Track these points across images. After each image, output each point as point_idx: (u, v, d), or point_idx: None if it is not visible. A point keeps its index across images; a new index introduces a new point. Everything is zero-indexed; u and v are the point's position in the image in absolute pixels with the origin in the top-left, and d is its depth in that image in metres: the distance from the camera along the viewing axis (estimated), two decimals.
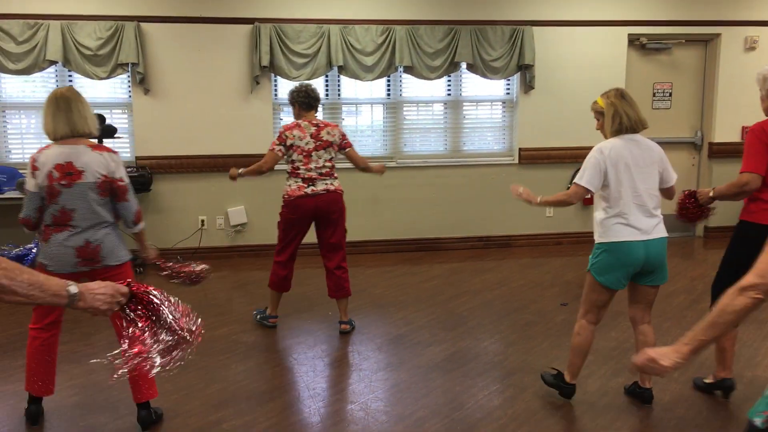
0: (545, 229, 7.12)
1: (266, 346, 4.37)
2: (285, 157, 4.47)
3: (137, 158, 6.46)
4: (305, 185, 4.41)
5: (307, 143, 4.41)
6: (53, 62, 6.07)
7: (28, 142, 6.39)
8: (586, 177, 3.29)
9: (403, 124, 7.00)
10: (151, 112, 6.43)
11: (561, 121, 6.95)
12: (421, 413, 3.43)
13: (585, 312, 3.46)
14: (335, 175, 4.55)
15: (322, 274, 6.06)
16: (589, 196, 3.35)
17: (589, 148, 3.37)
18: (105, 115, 6.08)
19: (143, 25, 6.26)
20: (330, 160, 4.50)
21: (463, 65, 6.82)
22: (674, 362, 1.86)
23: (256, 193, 6.66)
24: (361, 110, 6.97)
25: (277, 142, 4.45)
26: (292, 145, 4.42)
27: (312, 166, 4.42)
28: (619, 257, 3.28)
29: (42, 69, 6.09)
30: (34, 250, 3.42)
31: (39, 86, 6.36)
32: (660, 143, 3.50)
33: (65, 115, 3.10)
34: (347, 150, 4.60)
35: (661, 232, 3.34)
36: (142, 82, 6.29)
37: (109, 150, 3.20)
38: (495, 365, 4.04)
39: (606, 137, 3.40)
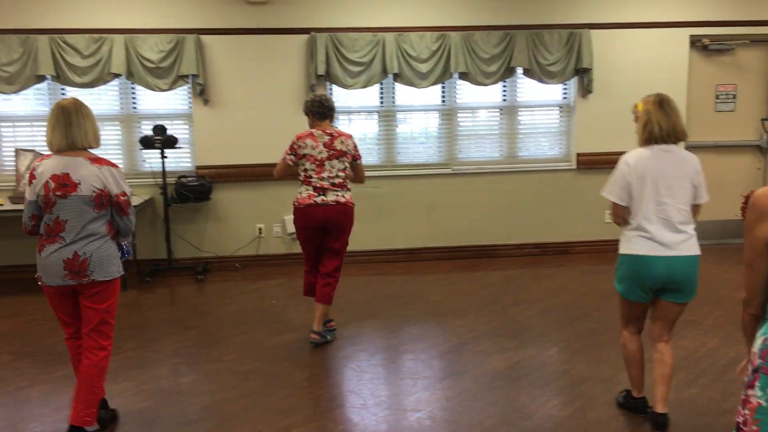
0: (604, 235, 6.97)
1: (328, 354, 4.37)
2: (297, 166, 4.49)
3: (197, 167, 6.59)
4: (315, 194, 4.41)
5: (320, 152, 4.42)
6: (117, 75, 6.24)
7: (111, 152, 6.55)
8: (614, 192, 3.21)
9: (458, 130, 6.96)
10: (210, 122, 6.55)
11: (620, 125, 6.80)
12: (490, 422, 3.38)
13: (624, 323, 3.40)
14: (348, 186, 4.54)
15: (379, 281, 6.13)
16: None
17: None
18: (166, 126, 6.23)
19: (203, 37, 6.39)
20: (343, 170, 4.49)
21: (519, 70, 6.76)
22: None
23: None
24: (415, 118, 6.95)
25: (289, 152, 4.47)
26: (304, 155, 4.43)
27: (324, 175, 4.42)
28: (637, 270, 3.17)
29: (106, 82, 6.26)
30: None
31: (103, 99, 6.54)
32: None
33: (64, 128, 3.09)
34: (357, 162, 4.59)
35: (688, 249, 3.15)
36: (201, 93, 6.42)
37: (108, 163, 3.17)
38: (562, 375, 3.96)
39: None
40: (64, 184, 3.08)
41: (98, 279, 3.14)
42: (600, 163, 6.86)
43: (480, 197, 6.95)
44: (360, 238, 6.87)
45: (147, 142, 6.13)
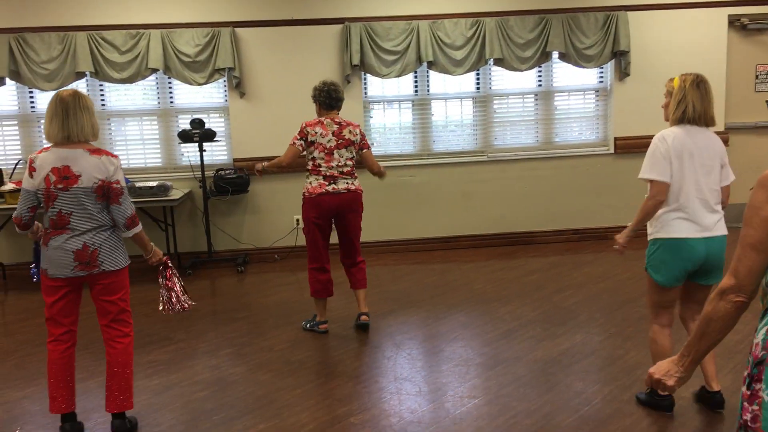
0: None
1: (378, 342, 4.39)
2: (305, 152, 4.48)
3: (235, 160, 6.63)
4: (326, 183, 4.42)
5: (328, 141, 4.43)
6: (155, 70, 6.29)
7: (132, 148, 6.64)
8: (656, 169, 3.09)
9: (493, 117, 6.92)
10: (246, 114, 6.58)
11: (659, 108, 6.62)
12: (548, 408, 3.37)
13: (654, 315, 3.30)
14: (356, 174, 4.55)
15: (419, 269, 6.13)
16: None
17: None
18: (203, 120, 6.26)
19: (238, 30, 6.41)
20: (351, 159, 4.51)
21: (555, 55, 6.69)
22: (678, 379, 1.85)
23: None
24: (450, 105, 6.92)
25: (298, 137, 4.44)
26: (313, 142, 4.42)
27: (333, 164, 4.43)
28: (678, 254, 3.10)
29: (144, 77, 6.31)
30: None
31: (140, 94, 6.60)
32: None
33: (61, 120, 3.05)
34: (364, 151, 4.59)
35: (722, 229, 3.14)
36: (238, 86, 6.45)
37: (108, 154, 3.15)
38: (615, 360, 3.93)
39: (667, 119, 3.24)
40: (65, 176, 3.05)
41: (108, 269, 3.17)
42: (638, 146, 6.78)
43: (516, 184, 6.92)
44: (397, 227, 6.88)
45: (185, 136, 6.18)
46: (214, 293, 5.73)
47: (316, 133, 4.44)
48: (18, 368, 4.17)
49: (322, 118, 4.52)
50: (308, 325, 4.67)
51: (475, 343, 4.30)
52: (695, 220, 3.09)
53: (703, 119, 3.14)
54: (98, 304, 3.25)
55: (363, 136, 4.59)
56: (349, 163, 4.50)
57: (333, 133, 4.46)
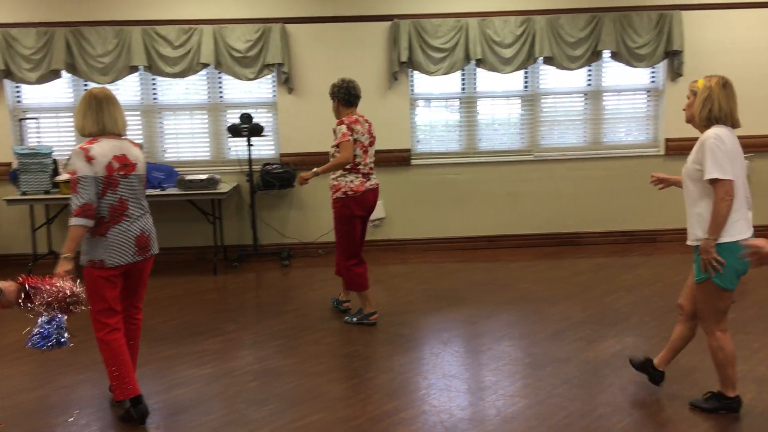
0: None
1: (425, 339, 4.38)
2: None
3: (281, 155, 6.68)
4: (365, 180, 4.52)
5: (366, 138, 4.53)
6: (206, 65, 6.38)
7: (182, 141, 6.75)
8: (725, 168, 3.00)
9: (541, 116, 6.85)
10: (294, 110, 6.63)
11: None
12: (602, 410, 3.32)
13: (716, 321, 3.21)
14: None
15: (465, 268, 6.10)
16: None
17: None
18: (252, 115, 6.33)
19: (288, 26, 6.46)
20: (374, 155, 4.68)
21: (606, 54, 6.59)
22: None
23: (393, 188, 6.73)
24: (497, 104, 6.87)
25: (349, 133, 4.43)
26: (356, 140, 4.45)
27: (368, 161, 4.57)
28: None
29: (196, 72, 6.41)
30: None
31: (190, 89, 6.69)
32: None
33: (95, 113, 3.21)
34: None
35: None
36: (286, 81, 6.50)
37: (139, 146, 3.41)
38: (670, 364, 3.85)
39: (688, 119, 3.23)
40: (125, 164, 3.23)
41: (155, 252, 3.40)
42: (690, 148, 6.58)
43: (563, 184, 6.84)
44: (442, 225, 6.86)
45: (234, 131, 6.25)
46: (260, 286, 5.79)
47: (358, 131, 4.48)
48: (74, 354, 4.26)
49: (356, 116, 4.56)
50: (355, 319, 4.68)
51: (524, 342, 4.26)
52: (747, 218, 3.12)
53: (729, 120, 3.13)
54: (132, 287, 3.40)
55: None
56: (373, 159, 4.67)
57: (367, 131, 4.57)
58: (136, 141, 3.45)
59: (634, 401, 3.41)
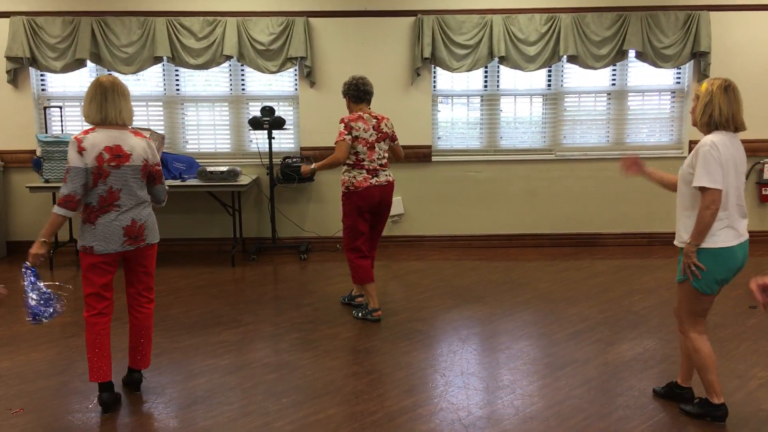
0: None
1: (444, 336, 4.37)
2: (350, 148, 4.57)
3: (302, 149, 6.69)
4: (370, 176, 4.54)
5: (370, 135, 4.53)
6: (229, 57, 6.40)
7: (203, 132, 6.78)
8: (713, 177, 2.97)
9: (564, 115, 6.80)
10: (315, 104, 6.63)
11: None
12: (622, 413, 3.30)
13: (692, 324, 3.22)
14: (388, 165, 4.69)
15: (483, 266, 6.08)
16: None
17: None
18: (274, 107, 6.34)
19: (311, 20, 6.46)
20: (386, 151, 4.65)
21: (631, 54, 6.53)
22: None
23: (412, 185, 6.72)
24: (519, 102, 6.83)
25: (345, 132, 4.50)
26: (357, 137, 4.50)
27: (375, 157, 4.55)
28: (723, 262, 3.06)
29: (219, 64, 6.43)
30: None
31: (212, 81, 6.72)
32: None
33: (99, 103, 3.22)
34: (395, 142, 4.70)
35: (746, 233, 3.14)
36: (308, 75, 6.50)
37: (145, 137, 3.39)
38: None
39: (694, 123, 3.18)
40: (117, 155, 3.22)
41: (151, 242, 3.41)
42: None
43: (584, 184, 6.79)
44: (460, 222, 6.84)
45: (256, 123, 6.27)
46: (278, 279, 5.80)
47: (359, 128, 4.53)
48: None
49: (360, 113, 4.59)
50: (360, 315, 4.71)
51: (543, 342, 4.24)
52: (735, 226, 3.07)
53: (732, 124, 3.09)
54: (134, 275, 3.45)
55: (392, 128, 4.72)
56: (385, 155, 4.65)
57: (373, 127, 4.57)
58: (144, 131, 3.46)
59: (655, 405, 3.38)
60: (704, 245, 3.06)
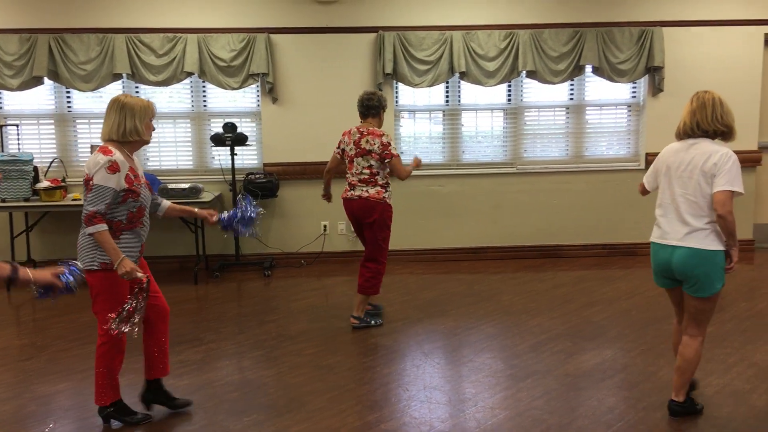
0: None
1: (407, 350, 4.39)
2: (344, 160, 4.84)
3: (265, 165, 6.68)
4: (349, 188, 4.75)
5: (351, 149, 4.70)
6: (190, 74, 6.36)
7: (165, 150, 6.72)
8: (649, 176, 3.52)
9: (524, 129, 6.91)
10: (278, 120, 6.63)
11: None
12: (581, 422, 3.35)
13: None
14: (376, 182, 4.67)
15: (447, 279, 6.12)
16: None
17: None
18: (236, 124, 6.32)
19: (273, 36, 6.47)
20: (369, 167, 4.65)
21: (588, 69, 6.67)
22: None
23: None
24: (480, 116, 6.92)
25: (337, 146, 4.86)
26: (343, 150, 4.77)
27: (354, 171, 4.71)
28: (652, 256, 3.41)
29: (179, 80, 6.39)
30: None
31: (174, 97, 6.67)
32: None
33: (104, 120, 3.27)
34: (387, 161, 4.65)
35: (691, 241, 3.21)
36: (270, 91, 6.51)
37: (96, 152, 3.25)
38: (648, 377, 3.89)
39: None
40: (135, 174, 3.25)
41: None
42: None
43: (545, 197, 6.89)
44: (425, 237, 6.88)
45: (218, 140, 6.24)
46: (242, 296, 5.76)
47: (344, 141, 4.76)
48: (52, 363, 4.22)
49: (354, 127, 4.76)
50: (373, 322, 4.89)
51: (505, 354, 4.28)
52: (663, 227, 3.32)
53: (697, 132, 3.27)
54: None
55: (385, 146, 4.62)
56: (366, 171, 4.66)
57: (354, 142, 4.69)
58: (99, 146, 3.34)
59: (613, 414, 3.44)
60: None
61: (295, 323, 4.95)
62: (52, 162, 6.43)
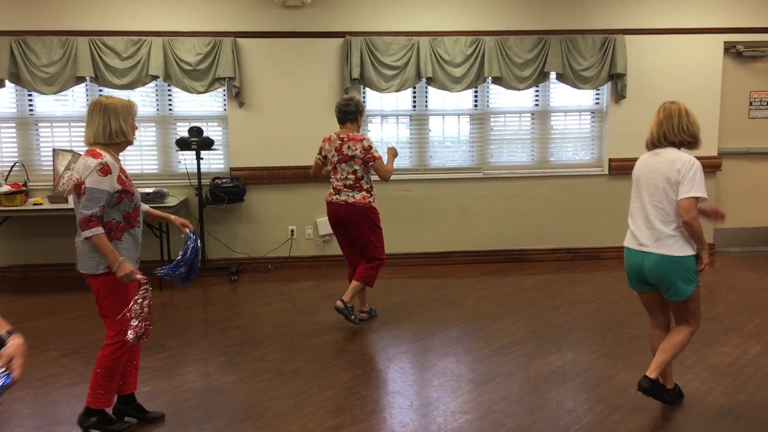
0: None
1: (371, 355, 4.40)
2: (326, 166, 4.93)
3: (231, 169, 6.64)
4: (334, 193, 4.84)
5: (333, 156, 4.78)
6: (155, 77, 6.31)
7: (129, 154, 6.64)
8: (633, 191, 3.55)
9: (490, 135, 6.98)
10: (245, 124, 6.60)
11: None
12: (539, 425, 3.39)
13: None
14: (362, 186, 4.79)
15: (414, 283, 6.15)
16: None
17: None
18: (202, 128, 6.28)
19: (239, 40, 6.45)
20: (354, 172, 4.75)
21: (553, 75, 6.76)
22: None
23: None
24: (447, 121, 6.97)
25: (318, 152, 4.94)
26: (325, 157, 4.85)
27: (338, 176, 4.80)
28: (625, 259, 3.52)
29: (144, 84, 6.33)
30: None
31: (138, 101, 6.60)
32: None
33: (86, 124, 3.22)
34: (371, 164, 4.79)
35: (661, 248, 3.32)
36: (237, 95, 6.48)
37: (85, 156, 3.22)
38: (606, 379, 3.95)
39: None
40: (126, 175, 3.24)
41: (81, 271, 3.26)
42: (632, 168, 6.83)
43: (511, 202, 6.96)
44: (392, 241, 6.89)
45: (183, 144, 6.19)
46: (207, 301, 5.72)
47: (325, 148, 4.83)
48: None
49: (333, 134, 4.83)
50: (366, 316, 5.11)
51: (468, 358, 4.31)
52: (634, 232, 3.44)
53: (664, 142, 3.38)
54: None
55: (367, 150, 4.74)
56: (351, 176, 4.75)
57: (335, 149, 4.76)
58: (66, 152, 3.37)
59: (571, 417, 3.48)
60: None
61: (260, 328, 4.93)
62: (13, 166, 6.32)
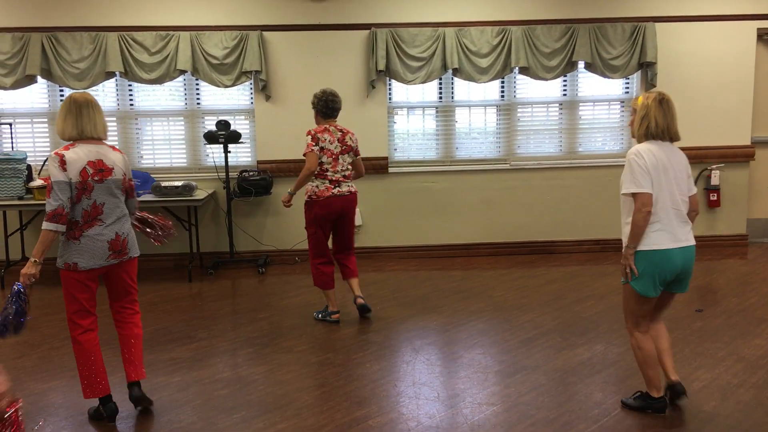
0: None
1: (397, 346, 4.41)
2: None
3: (258, 162, 6.69)
4: (332, 186, 4.73)
5: (335, 147, 4.73)
6: (183, 71, 6.38)
7: (158, 148, 6.73)
8: (639, 182, 3.13)
9: (517, 125, 6.92)
10: (271, 117, 6.64)
11: (686, 119, 6.61)
12: (567, 417, 3.37)
13: (635, 324, 3.37)
14: (352, 177, 4.90)
15: (439, 275, 6.14)
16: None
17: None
18: (229, 121, 6.33)
19: (266, 33, 6.48)
20: (351, 163, 4.85)
21: (581, 65, 6.68)
22: None
23: (370, 196, 6.76)
24: (474, 113, 6.93)
25: (313, 143, 4.69)
26: (322, 148, 4.70)
27: (338, 168, 4.75)
28: (659, 265, 3.18)
29: (173, 78, 6.40)
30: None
31: (167, 95, 6.68)
32: None
33: (75, 118, 3.25)
34: (358, 157, 4.90)
35: (692, 239, 3.28)
36: (264, 89, 6.52)
37: (120, 151, 3.43)
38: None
39: (633, 135, 3.35)
40: (100, 169, 3.26)
41: (134, 255, 3.45)
42: None
43: (538, 193, 6.91)
44: (417, 233, 6.90)
45: (211, 137, 6.25)
46: (235, 293, 5.78)
47: (325, 139, 4.71)
48: (44, 361, 4.25)
49: (327, 125, 4.78)
50: (320, 315, 4.93)
51: (495, 350, 4.30)
52: (671, 230, 3.19)
53: (667, 134, 3.25)
54: (119, 288, 3.46)
55: (357, 143, 4.92)
56: (349, 167, 4.82)
57: (338, 140, 4.75)
58: (116, 146, 3.48)
59: (600, 409, 3.46)
60: (640, 247, 3.20)
61: (288, 320, 4.97)
62: (45, 161, 6.44)
